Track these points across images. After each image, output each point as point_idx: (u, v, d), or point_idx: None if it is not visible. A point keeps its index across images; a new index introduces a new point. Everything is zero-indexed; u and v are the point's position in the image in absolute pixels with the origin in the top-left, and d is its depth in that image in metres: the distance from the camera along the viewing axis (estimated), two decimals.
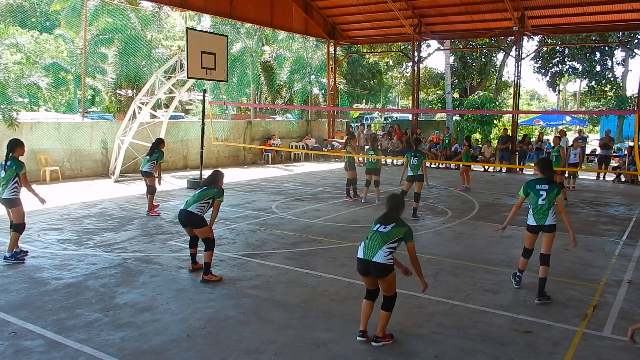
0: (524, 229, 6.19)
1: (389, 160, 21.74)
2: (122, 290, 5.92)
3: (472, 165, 18.19)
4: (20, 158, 7.07)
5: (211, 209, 6.44)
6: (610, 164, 19.12)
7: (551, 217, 5.88)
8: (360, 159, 17.59)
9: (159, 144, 10.58)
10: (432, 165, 20.83)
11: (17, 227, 6.97)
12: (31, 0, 25.86)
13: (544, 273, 5.86)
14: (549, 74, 35.60)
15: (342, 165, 21.12)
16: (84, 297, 5.68)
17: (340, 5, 22.04)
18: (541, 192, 5.90)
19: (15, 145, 7.01)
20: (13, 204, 6.93)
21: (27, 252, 7.20)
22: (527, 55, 25.24)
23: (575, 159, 15.66)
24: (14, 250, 6.98)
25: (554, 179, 6.06)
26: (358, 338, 4.76)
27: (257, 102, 27.23)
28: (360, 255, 4.70)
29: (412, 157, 10.41)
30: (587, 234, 9.35)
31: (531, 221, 5.99)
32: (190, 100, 31.49)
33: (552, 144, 14.02)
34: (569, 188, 13.89)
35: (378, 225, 4.75)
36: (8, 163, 6.93)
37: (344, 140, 22.19)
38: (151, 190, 10.34)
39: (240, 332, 4.88)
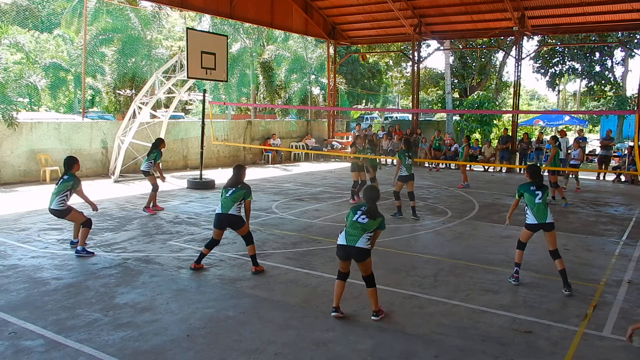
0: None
1: (389, 160, 21.74)
2: (122, 290, 5.92)
3: (469, 165, 18.40)
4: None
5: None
6: (610, 164, 19.12)
7: (550, 215, 6.22)
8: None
9: (158, 144, 10.72)
10: (431, 165, 20.83)
11: (85, 224, 7.32)
12: (34, 0, 25.91)
13: (562, 265, 6.16)
14: (549, 74, 35.60)
15: (342, 165, 21.17)
16: (84, 297, 5.68)
17: (340, 5, 22.04)
18: (536, 192, 6.26)
19: (72, 163, 7.44)
20: (63, 214, 7.26)
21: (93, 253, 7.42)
22: (527, 55, 25.28)
23: (575, 160, 15.70)
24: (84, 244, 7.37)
25: (542, 184, 6.38)
26: (332, 314, 5.22)
27: (256, 102, 27.23)
28: (342, 242, 5.18)
29: (407, 157, 10.46)
30: (587, 234, 9.35)
31: (532, 220, 6.25)
32: (190, 100, 31.49)
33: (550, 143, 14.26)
34: (564, 188, 13.87)
35: (357, 216, 5.17)
36: (65, 177, 7.31)
37: (350, 141, 22.26)
38: (153, 189, 10.43)
39: (240, 332, 4.88)
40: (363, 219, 5.15)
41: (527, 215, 6.30)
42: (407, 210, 10.76)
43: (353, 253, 5.13)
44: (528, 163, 19.80)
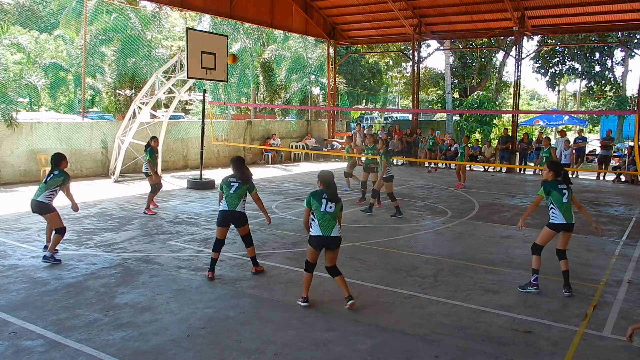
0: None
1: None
2: (122, 290, 5.92)
3: (469, 165, 18.43)
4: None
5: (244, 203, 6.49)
6: (610, 164, 19.13)
7: (574, 216, 6.14)
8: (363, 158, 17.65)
9: (149, 142, 10.76)
10: (429, 166, 20.83)
11: (60, 231, 7.01)
12: (36, 0, 25.89)
13: (567, 266, 6.14)
14: (549, 74, 35.59)
15: (342, 165, 21.13)
16: (84, 297, 5.68)
17: (340, 5, 22.05)
18: (564, 191, 6.08)
19: (60, 159, 7.18)
20: (46, 210, 6.93)
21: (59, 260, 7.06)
22: (527, 55, 25.26)
23: (566, 159, 15.91)
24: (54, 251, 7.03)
25: (569, 181, 6.27)
26: (303, 304, 5.50)
27: (256, 102, 27.23)
28: (318, 233, 5.40)
29: (390, 158, 10.57)
30: (587, 234, 9.33)
31: (560, 220, 6.05)
32: (190, 100, 31.46)
33: (543, 145, 14.77)
34: None
35: (324, 205, 5.40)
36: (55, 173, 7.06)
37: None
38: (152, 189, 10.44)
39: (240, 332, 4.88)
40: (331, 207, 5.40)
41: (553, 215, 6.06)
42: (407, 210, 10.76)
43: (330, 242, 5.40)
44: (529, 163, 19.84)
